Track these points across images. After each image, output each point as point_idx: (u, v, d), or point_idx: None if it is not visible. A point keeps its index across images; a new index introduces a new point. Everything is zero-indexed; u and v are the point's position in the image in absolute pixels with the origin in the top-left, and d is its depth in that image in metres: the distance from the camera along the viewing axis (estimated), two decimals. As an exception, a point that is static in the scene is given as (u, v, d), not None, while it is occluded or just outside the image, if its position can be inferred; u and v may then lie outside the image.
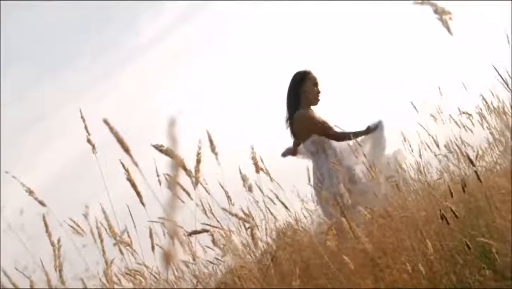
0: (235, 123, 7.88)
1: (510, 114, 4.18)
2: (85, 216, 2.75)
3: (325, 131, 4.76)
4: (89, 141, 2.66)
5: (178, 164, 0.89)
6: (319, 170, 4.67)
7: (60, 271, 2.69)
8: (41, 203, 2.71)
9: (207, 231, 2.85)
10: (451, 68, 4.63)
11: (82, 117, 2.65)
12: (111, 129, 1.29)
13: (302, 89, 4.88)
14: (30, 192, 2.69)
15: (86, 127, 2.67)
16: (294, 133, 4.95)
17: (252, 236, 2.63)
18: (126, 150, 1.35)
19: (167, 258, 1.00)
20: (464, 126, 4.52)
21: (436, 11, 1.73)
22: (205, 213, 3.56)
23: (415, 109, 4.87)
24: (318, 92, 4.93)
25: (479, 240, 2.86)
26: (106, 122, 1.26)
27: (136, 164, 1.34)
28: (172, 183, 0.90)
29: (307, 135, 4.79)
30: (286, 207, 3.85)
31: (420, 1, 1.68)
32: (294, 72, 4.99)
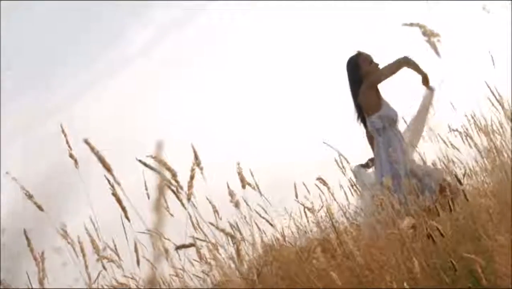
0: (228, 136, 7.87)
1: (498, 133, 4.19)
2: (64, 233, 2.72)
3: (379, 74, 4.65)
4: (71, 156, 2.64)
5: (163, 185, 0.88)
6: (389, 144, 4.48)
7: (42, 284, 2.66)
8: (40, 208, 2.69)
9: (193, 245, 2.83)
10: (439, 85, 4.63)
11: (63, 131, 2.63)
12: (92, 149, 1.27)
13: (361, 74, 4.75)
14: (30, 196, 2.67)
15: (67, 142, 2.65)
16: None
17: (238, 252, 2.62)
18: (108, 169, 1.34)
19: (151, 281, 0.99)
20: (451, 145, 4.52)
21: (424, 33, 1.74)
22: (193, 227, 3.54)
23: (406, 125, 4.87)
24: (376, 65, 4.78)
25: (466, 259, 2.86)
26: (86, 142, 1.25)
27: (118, 183, 1.33)
28: (157, 206, 0.89)
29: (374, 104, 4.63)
30: (271, 224, 3.83)
31: (409, 23, 1.69)
32: (346, 62, 4.86)
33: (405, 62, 4.55)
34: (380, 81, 4.65)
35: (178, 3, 11.21)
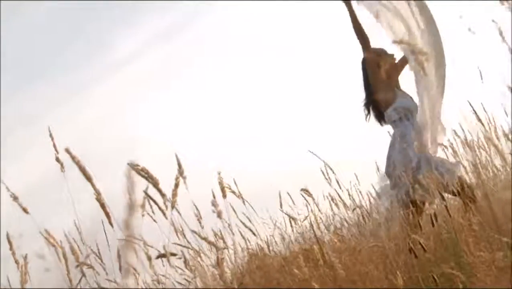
0: (214, 144, 7.87)
1: (483, 148, 4.21)
2: (48, 236, 2.71)
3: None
4: (57, 159, 2.63)
5: (134, 205, 0.88)
6: (405, 137, 4.41)
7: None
8: (25, 210, 2.68)
9: (175, 254, 2.83)
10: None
11: (50, 135, 2.62)
12: (73, 158, 1.27)
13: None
14: (15, 198, 2.66)
15: (54, 146, 2.64)
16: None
17: (217, 260, 2.63)
18: (88, 178, 1.34)
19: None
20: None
21: (413, 52, 1.75)
22: (176, 234, 3.54)
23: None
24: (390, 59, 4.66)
25: (447, 273, 2.87)
26: (67, 151, 1.25)
27: (99, 193, 1.33)
28: (127, 225, 0.89)
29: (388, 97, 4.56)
30: (254, 233, 3.84)
31: (398, 41, 1.71)
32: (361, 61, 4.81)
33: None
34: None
35: (168, 12, 11.24)
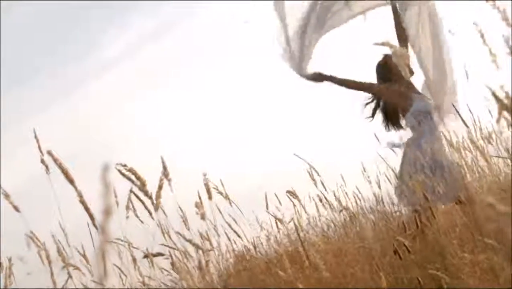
0: (202, 146, 7.87)
1: (468, 150, 4.23)
2: (32, 238, 2.70)
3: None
4: (42, 161, 2.62)
5: (109, 210, 0.89)
6: (420, 138, 4.42)
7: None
8: (16, 209, 2.67)
9: (162, 254, 2.84)
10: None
11: (36, 137, 2.61)
12: (56, 160, 1.28)
13: (390, 77, 4.74)
14: (6, 196, 2.66)
15: (39, 147, 2.62)
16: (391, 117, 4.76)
17: (199, 263, 2.63)
18: (71, 181, 1.34)
19: None
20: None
21: (395, 54, 1.76)
22: (163, 235, 3.54)
23: (377, 140, 4.89)
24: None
25: (432, 274, 2.89)
26: (50, 153, 1.25)
27: (81, 195, 1.33)
28: (103, 230, 0.89)
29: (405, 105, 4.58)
30: (238, 235, 3.85)
31: (380, 42, 1.71)
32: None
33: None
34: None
35: (156, 13, 11.22)
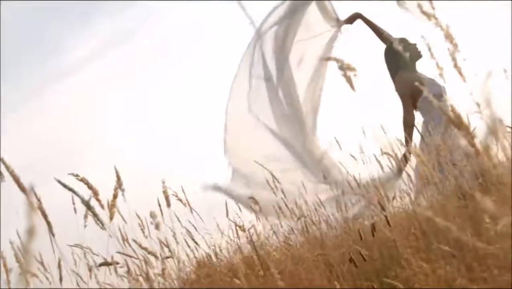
0: (162, 151, 7.85)
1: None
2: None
3: None
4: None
5: (32, 231, 0.90)
6: (429, 122, 4.52)
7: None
8: None
9: (118, 263, 2.84)
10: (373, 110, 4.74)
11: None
12: (7, 168, 1.28)
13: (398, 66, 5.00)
14: None
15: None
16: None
17: (147, 277, 2.65)
18: (23, 189, 1.35)
19: None
20: (382, 167, 4.60)
21: (341, 67, 1.79)
22: (123, 242, 3.54)
23: (339, 147, 4.95)
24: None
25: (387, 283, 2.92)
26: (2, 161, 1.26)
27: (32, 204, 1.33)
28: (26, 251, 0.91)
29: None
30: (196, 243, 3.86)
31: (327, 58, 1.75)
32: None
33: None
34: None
35: (121, 17, 11.18)
